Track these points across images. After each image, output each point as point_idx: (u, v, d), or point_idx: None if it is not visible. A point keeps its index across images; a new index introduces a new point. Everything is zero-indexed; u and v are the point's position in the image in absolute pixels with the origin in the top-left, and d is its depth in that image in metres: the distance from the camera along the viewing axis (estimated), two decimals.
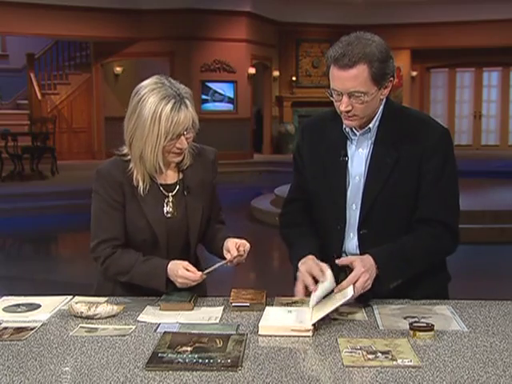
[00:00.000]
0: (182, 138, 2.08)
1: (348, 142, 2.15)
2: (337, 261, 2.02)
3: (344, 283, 1.94)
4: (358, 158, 2.14)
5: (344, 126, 2.14)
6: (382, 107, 2.12)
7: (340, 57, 1.98)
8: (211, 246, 2.30)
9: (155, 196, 2.17)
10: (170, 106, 2.03)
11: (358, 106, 2.02)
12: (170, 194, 2.20)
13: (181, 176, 2.22)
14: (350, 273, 1.99)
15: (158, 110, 2.03)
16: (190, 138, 2.12)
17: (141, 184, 2.14)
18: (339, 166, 2.14)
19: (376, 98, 2.04)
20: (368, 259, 1.99)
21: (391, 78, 2.05)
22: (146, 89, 2.07)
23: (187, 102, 2.07)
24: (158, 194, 2.18)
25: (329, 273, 1.98)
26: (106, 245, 2.16)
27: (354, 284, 1.92)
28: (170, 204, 2.20)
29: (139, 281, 2.14)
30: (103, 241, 2.16)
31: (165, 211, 2.19)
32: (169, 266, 2.09)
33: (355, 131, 2.13)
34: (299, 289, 2.02)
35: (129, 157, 2.16)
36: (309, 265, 2.02)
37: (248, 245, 2.15)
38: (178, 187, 2.21)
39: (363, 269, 1.94)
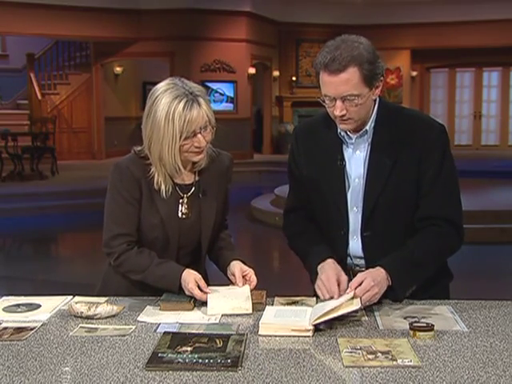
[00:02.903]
0: (199, 136, 2.08)
1: (344, 146, 2.14)
2: (350, 288, 1.95)
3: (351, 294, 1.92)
4: (356, 160, 2.13)
5: (339, 131, 2.13)
6: (376, 108, 2.11)
7: (329, 62, 1.96)
8: (214, 256, 2.32)
9: (171, 195, 2.18)
10: (182, 104, 2.04)
11: (352, 109, 2.00)
12: (185, 195, 2.21)
13: (197, 178, 2.23)
14: (354, 277, 1.99)
15: (170, 109, 2.04)
16: (208, 137, 2.11)
17: (163, 187, 2.15)
18: (336, 170, 2.13)
19: (369, 99, 2.03)
20: (379, 272, 1.97)
21: (381, 78, 2.04)
22: (159, 91, 2.08)
23: (200, 100, 2.07)
24: (173, 193, 2.18)
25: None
26: (121, 240, 2.16)
27: (360, 297, 1.90)
28: (185, 205, 2.20)
29: (152, 282, 2.15)
30: (118, 235, 2.16)
31: (179, 211, 2.20)
32: (183, 274, 2.09)
33: (351, 135, 2.12)
34: (325, 294, 1.99)
35: (148, 161, 2.15)
36: (328, 275, 2.00)
37: (254, 277, 2.15)
38: (193, 189, 2.22)
39: (373, 283, 1.93)
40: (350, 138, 2.13)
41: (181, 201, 2.20)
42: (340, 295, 1.95)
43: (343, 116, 2.02)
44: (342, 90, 1.98)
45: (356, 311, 1.90)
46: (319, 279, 2.03)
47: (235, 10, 14.60)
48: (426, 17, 16.35)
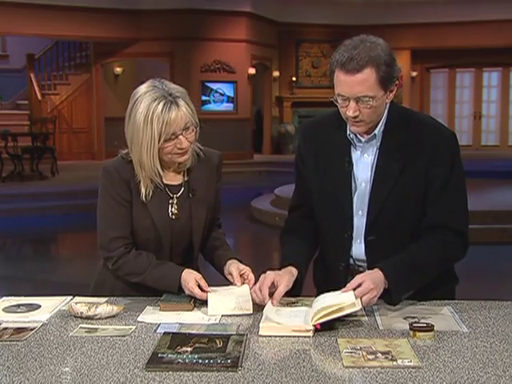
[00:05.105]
0: (181, 137, 2.07)
1: (352, 148, 2.12)
2: (347, 288, 1.93)
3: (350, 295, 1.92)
4: (364, 164, 2.11)
5: (348, 133, 2.11)
6: (386, 112, 2.08)
7: (347, 61, 1.94)
8: (210, 257, 2.33)
9: (160, 196, 2.18)
10: (160, 106, 2.04)
11: (365, 110, 1.98)
12: (175, 196, 2.20)
13: (186, 178, 2.23)
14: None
15: (149, 112, 2.04)
16: (191, 137, 2.11)
17: (143, 190, 2.14)
18: (344, 173, 2.11)
19: (383, 102, 2.01)
20: (377, 274, 1.96)
21: (396, 82, 2.02)
22: (139, 94, 2.09)
23: (179, 101, 2.06)
24: (163, 194, 2.18)
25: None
26: (118, 244, 2.16)
27: (360, 298, 1.90)
28: (175, 205, 2.20)
29: (151, 283, 2.15)
30: (114, 239, 2.16)
31: (169, 212, 2.19)
32: (182, 274, 2.10)
33: (360, 138, 2.10)
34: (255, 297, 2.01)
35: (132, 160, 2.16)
36: (266, 283, 2.01)
37: (252, 275, 2.16)
38: (182, 189, 2.22)
39: (372, 286, 1.92)
40: (360, 141, 2.11)
41: (170, 201, 2.20)
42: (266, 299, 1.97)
43: (356, 117, 2.00)
44: (357, 90, 1.95)
45: (356, 312, 1.90)
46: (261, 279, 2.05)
47: (235, 10, 14.60)
48: (426, 17, 16.36)
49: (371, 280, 1.93)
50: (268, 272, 2.05)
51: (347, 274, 2.15)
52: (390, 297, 2.00)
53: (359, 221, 2.12)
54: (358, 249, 2.14)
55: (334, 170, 2.13)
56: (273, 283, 2.02)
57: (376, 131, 2.08)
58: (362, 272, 2.10)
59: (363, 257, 2.14)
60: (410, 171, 2.06)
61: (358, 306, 1.88)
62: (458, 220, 2.09)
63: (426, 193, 2.07)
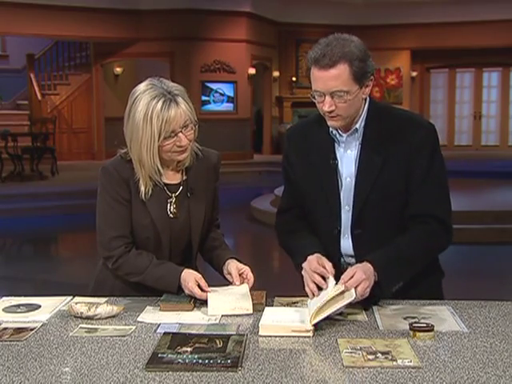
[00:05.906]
0: (180, 135, 2.08)
1: (336, 145, 2.16)
2: (342, 280, 1.93)
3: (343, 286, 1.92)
4: (348, 159, 2.15)
5: (330, 129, 2.14)
6: (366, 107, 2.12)
7: (320, 57, 1.99)
8: (209, 257, 2.33)
9: (159, 195, 2.18)
10: (159, 104, 2.04)
11: (341, 105, 2.02)
12: (174, 195, 2.21)
13: (184, 177, 2.23)
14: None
15: (148, 110, 2.05)
16: (190, 135, 2.12)
17: (142, 189, 2.15)
18: (330, 170, 2.14)
19: (358, 97, 2.05)
20: (367, 266, 1.97)
21: (372, 77, 2.06)
22: (138, 92, 2.10)
23: (178, 99, 2.07)
24: (161, 193, 2.19)
25: (331, 278, 1.97)
26: (119, 243, 2.16)
27: (355, 288, 1.91)
28: (174, 204, 2.21)
29: (151, 283, 2.15)
30: (114, 238, 2.16)
31: (168, 211, 2.20)
32: (182, 274, 2.11)
33: (342, 133, 2.14)
34: (312, 287, 1.97)
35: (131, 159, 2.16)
36: (314, 265, 2.00)
37: (251, 274, 2.16)
38: (181, 188, 2.22)
39: (364, 276, 1.93)
40: (342, 136, 2.15)
41: (169, 200, 2.21)
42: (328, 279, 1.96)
43: (331, 112, 2.03)
44: (331, 85, 2.00)
45: (351, 303, 1.90)
46: (304, 271, 2.02)
47: (235, 11, 14.60)
48: (426, 17, 16.36)
49: (362, 271, 1.94)
50: (309, 257, 2.03)
51: (336, 271, 2.15)
52: (379, 289, 2.00)
53: (346, 215, 2.15)
54: (346, 243, 2.16)
55: (320, 167, 2.16)
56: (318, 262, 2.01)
57: (357, 126, 2.12)
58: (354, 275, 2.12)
59: (351, 252, 2.16)
60: (391, 163, 2.09)
61: (351, 297, 1.88)
62: (439, 208, 2.12)
63: (408, 184, 2.10)
